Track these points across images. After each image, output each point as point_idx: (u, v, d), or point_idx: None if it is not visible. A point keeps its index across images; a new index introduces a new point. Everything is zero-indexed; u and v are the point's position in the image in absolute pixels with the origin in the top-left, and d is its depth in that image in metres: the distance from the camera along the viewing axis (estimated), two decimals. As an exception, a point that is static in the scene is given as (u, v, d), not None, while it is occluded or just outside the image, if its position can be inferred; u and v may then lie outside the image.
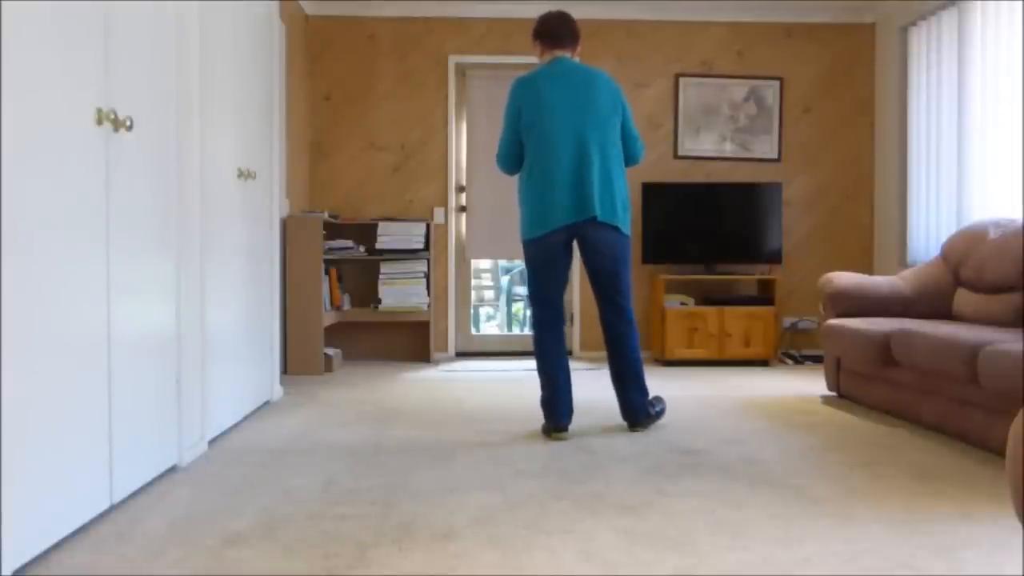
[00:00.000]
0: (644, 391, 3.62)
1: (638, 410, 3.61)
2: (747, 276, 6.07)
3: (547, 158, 3.46)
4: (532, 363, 5.90)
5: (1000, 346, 3.08)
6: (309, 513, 2.48)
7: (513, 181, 6.34)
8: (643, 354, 6.31)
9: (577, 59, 3.67)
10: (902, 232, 6.04)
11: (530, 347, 6.49)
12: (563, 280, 3.59)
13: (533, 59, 6.25)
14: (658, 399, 3.74)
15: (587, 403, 4.35)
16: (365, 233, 6.17)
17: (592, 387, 4.89)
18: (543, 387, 3.56)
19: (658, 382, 5.11)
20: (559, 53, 3.63)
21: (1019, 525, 2.35)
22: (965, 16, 5.20)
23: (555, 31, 3.62)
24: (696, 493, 2.69)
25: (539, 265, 3.54)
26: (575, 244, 3.58)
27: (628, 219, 3.56)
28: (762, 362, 5.98)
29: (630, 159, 3.68)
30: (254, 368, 4.02)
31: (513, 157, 3.62)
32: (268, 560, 2.10)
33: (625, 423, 3.67)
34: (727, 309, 5.91)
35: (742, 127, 6.41)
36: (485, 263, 7.92)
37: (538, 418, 3.94)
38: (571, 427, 3.72)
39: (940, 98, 5.50)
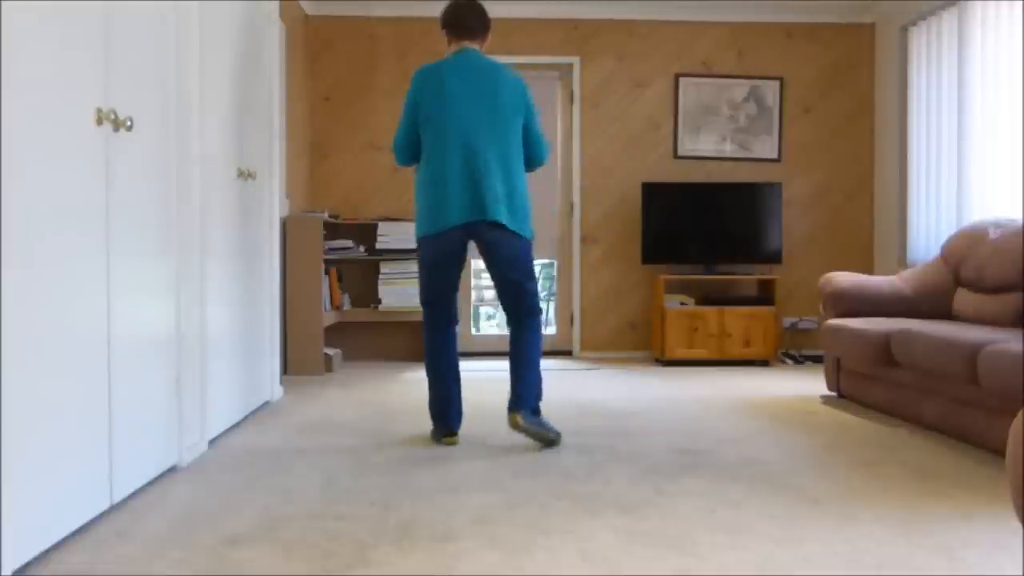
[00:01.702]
0: (532, 384, 3.33)
1: (520, 395, 3.30)
2: (747, 276, 6.07)
3: (445, 153, 3.29)
4: (532, 363, 5.91)
5: (1000, 346, 3.08)
6: (309, 513, 2.48)
7: (513, 181, 6.34)
8: (637, 354, 6.36)
9: (482, 52, 3.48)
10: (902, 232, 6.04)
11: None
12: (455, 281, 3.43)
13: (533, 59, 6.31)
14: (556, 431, 3.40)
15: (587, 403, 4.35)
16: (365, 233, 6.17)
17: (592, 387, 4.89)
18: (432, 390, 3.43)
19: (658, 382, 5.11)
20: (467, 45, 3.43)
21: (1019, 525, 2.35)
22: (965, 16, 5.19)
23: (465, 21, 3.42)
24: (695, 493, 2.69)
25: (431, 264, 3.38)
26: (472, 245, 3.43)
27: (529, 222, 3.39)
28: (762, 362, 5.98)
29: (533, 161, 3.50)
30: (254, 368, 4.02)
31: (409, 149, 3.43)
32: (268, 560, 2.10)
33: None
34: (727, 309, 5.91)
35: (742, 127, 6.41)
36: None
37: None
38: (572, 428, 3.72)
39: (940, 98, 5.50)
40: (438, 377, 3.42)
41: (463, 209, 3.28)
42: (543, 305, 8.36)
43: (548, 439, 3.32)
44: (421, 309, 3.50)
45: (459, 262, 3.41)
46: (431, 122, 3.33)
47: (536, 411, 3.37)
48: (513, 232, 3.33)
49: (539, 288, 3.52)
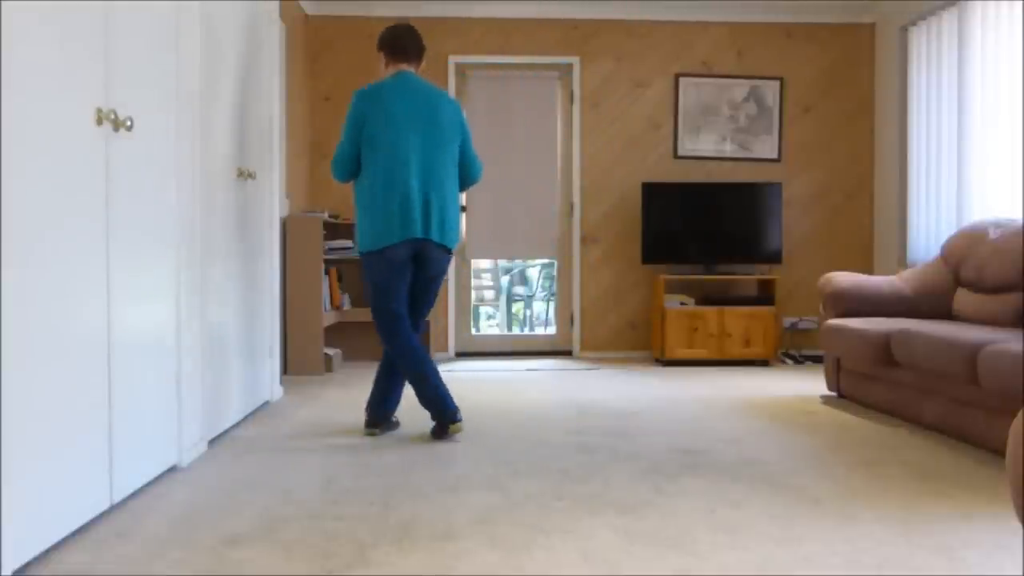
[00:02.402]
0: (397, 398, 3.64)
1: (386, 410, 3.59)
2: (747, 276, 6.07)
3: (388, 172, 3.41)
4: (532, 363, 5.92)
5: (1000, 346, 3.08)
6: (309, 513, 2.48)
7: (514, 181, 6.35)
8: (636, 354, 6.36)
9: (417, 73, 3.63)
10: (902, 232, 6.04)
11: (530, 347, 6.52)
12: (404, 292, 3.54)
13: (533, 59, 6.31)
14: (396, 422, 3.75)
15: (587, 403, 4.35)
16: (365, 233, 6.15)
17: (592, 387, 4.89)
18: (420, 387, 3.44)
19: (658, 382, 5.11)
20: (404, 67, 3.59)
21: (1019, 525, 2.35)
22: (965, 16, 5.20)
23: (403, 45, 3.58)
24: (696, 493, 2.69)
25: (380, 278, 3.49)
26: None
27: (459, 238, 3.60)
28: (762, 362, 5.98)
29: (467, 181, 3.68)
30: (254, 368, 4.02)
31: (349, 165, 3.52)
32: (268, 560, 2.10)
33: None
34: (727, 309, 5.91)
35: (742, 127, 6.41)
36: (485, 263, 7.91)
37: (539, 418, 3.94)
38: (572, 428, 3.72)
39: (940, 98, 5.50)
40: (419, 373, 3.43)
41: (412, 226, 3.42)
42: (541, 305, 8.37)
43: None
44: (376, 319, 3.55)
45: (406, 276, 3.53)
46: (374, 141, 3.45)
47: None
48: (447, 250, 3.56)
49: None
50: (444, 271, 3.63)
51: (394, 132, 3.43)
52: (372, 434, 3.56)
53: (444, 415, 3.44)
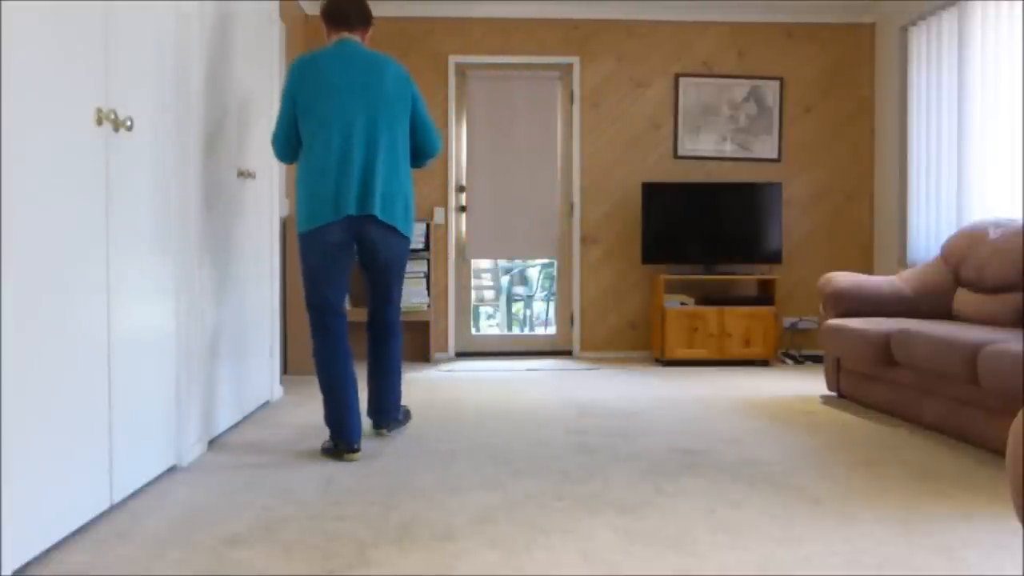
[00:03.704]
0: (397, 395, 3.48)
1: (387, 411, 3.47)
2: (747, 276, 6.07)
3: (326, 145, 3.14)
4: (532, 363, 5.92)
5: (1000, 346, 3.08)
6: (309, 513, 2.48)
7: (514, 181, 6.35)
8: (636, 354, 6.35)
9: (363, 43, 3.38)
10: (902, 232, 6.04)
11: (530, 347, 6.52)
12: (342, 282, 3.25)
13: (533, 59, 6.31)
14: (406, 412, 3.68)
15: (587, 403, 4.35)
16: (365, 233, 6.16)
17: (592, 387, 4.89)
18: (328, 401, 3.18)
19: (658, 382, 5.11)
20: (346, 35, 3.32)
21: (1019, 525, 2.35)
22: (965, 16, 5.20)
23: (344, 11, 3.31)
24: (696, 493, 2.69)
25: (315, 263, 3.20)
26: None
27: (411, 221, 3.31)
28: (762, 362, 5.98)
29: (424, 153, 3.42)
30: (254, 368, 4.02)
31: (288, 142, 3.28)
32: (268, 560, 2.10)
33: (372, 422, 3.52)
34: (727, 309, 5.91)
35: (742, 127, 6.41)
36: (485, 263, 7.91)
37: (539, 418, 3.94)
38: (572, 428, 3.72)
39: (940, 98, 5.50)
40: (333, 385, 3.18)
41: (347, 203, 3.12)
42: (541, 305, 8.34)
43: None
44: (308, 314, 3.29)
45: (345, 260, 3.24)
46: (310, 113, 3.18)
47: (394, 414, 3.52)
48: (397, 232, 3.26)
49: (400, 294, 3.50)
50: (398, 258, 3.32)
51: (330, 103, 3.16)
52: (380, 434, 3.52)
53: (341, 441, 3.14)
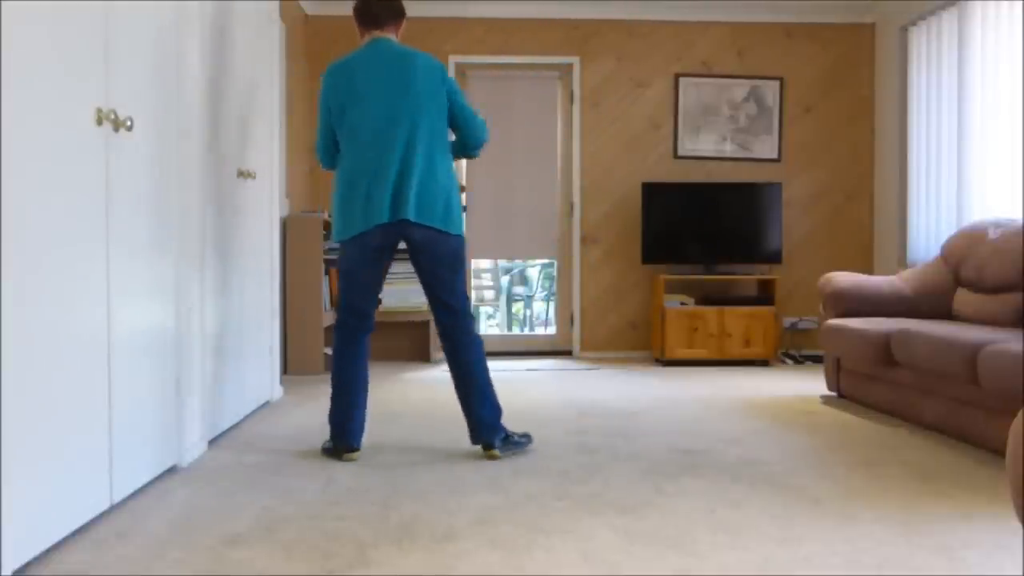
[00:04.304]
0: (495, 407, 3.19)
1: (490, 428, 3.16)
2: (747, 276, 6.07)
3: (357, 153, 3.12)
4: (532, 363, 5.92)
5: (1000, 346, 3.08)
6: (309, 513, 2.48)
7: (514, 181, 6.35)
8: (636, 354, 6.35)
9: (396, 40, 3.30)
10: (902, 232, 6.04)
11: (530, 347, 6.52)
12: (374, 288, 3.22)
13: (533, 59, 6.31)
14: (525, 435, 3.29)
15: (587, 403, 4.35)
16: (365, 233, 6.16)
17: (592, 387, 4.88)
18: (335, 401, 3.18)
19: (658, 382, 5.11)
20: (378, 34, 3.24)
21: (1019, 525, 2.35)
22: (965, 16, 5.19)
23: (372, 10, 3.24)
24: (696, 493, 2.69)
25: (348, 268, 3.19)
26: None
27: (455, 216, 3.17)
28: (762, 362, 5.97)
29: (469, 144, 3.30)
30: (254, 368, 4.02)
31: (328, 151, 3.26)
32: (268, 560, 2.10)
33: (479, 447, 3.23)
34: (727, 309, 5.91)
35: (742, 127, 6.41)
36: (485, 263, 7.91)
37: (539, 418, 3.93)
38: (572, 428, 3.72)
39: (940, 98, 5.50)
40: (343, 387, 3.18)
41: (379, 211, 3.07)
42: (541, 305, 8.33)
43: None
44: (337, 312, 3.26)
45: (379, 267, 3.20)
46: (343, 121, 3.16)
47: (500, 430, 3.19)
48: (438, 230, 3.14)
49: (467, 291, 3.29)
50: (446, 254, 3.16)
51: (360, 109, 3.12)
52: (492, 456, 3.18)
53: (341, 441, 3.15)
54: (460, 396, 3.22)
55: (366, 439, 3.48)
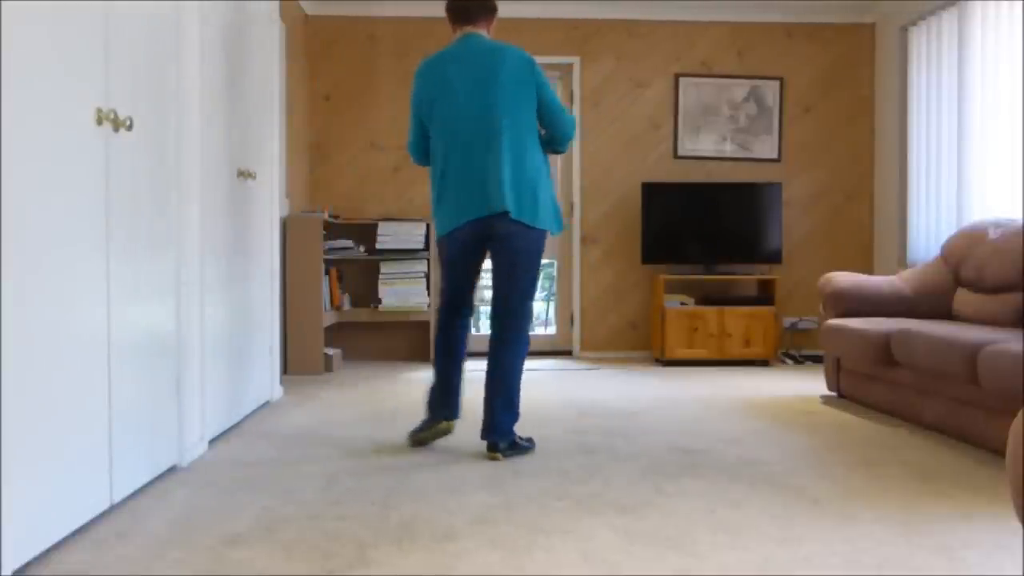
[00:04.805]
0: (514, 413, 3.20)
1: (503, 432, 3.16)
2: (747, 276, 6.07)
3: (448, 147, 3.18)
4: (532, 363, 5.91)
5: (1000, 346, 3.08)
6: (309, 513, 2.48)
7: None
8: (636, 354, 6.35)
9: (487, 36, 3.33)
10: (902, 232, 6.04)
11: (531, 347, 6.51)
12: (471, 277, 3.33)
13: (535, 59, 6.29)
14: (529, 439, 3.29)
15: (587, 403, 4.35)
16: (365, 233, 6.17)
17: (592, 387, 4.89)
18: (436, 377, 3.37)
19: (658, 382, 5.11)
20: (469, 30, 3.29)
21: (1019, 525, 2.35)
22: (965, 16, 5.19)
23: (464, 7, 3.28)
24: (696, 493, 2.69)
25: (446, 262, 3.32)
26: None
27: (542, 210, 3.17)
28: (762, 362, 5.97)
29: (556, 139, 3.30)
30: (254, 368, 4.02)
31: (418, 146, 3.34)
32: (268, 560, 2.10)
33: (483, 446, 3.23)
34: (727, 309, 5.91)
35: (742, 127, 6.41)
36: (485, 263, 7.90)
37: (539, 418, 3.93)
38: (572, 428, 3.72)
39: (940, 98, 5.50)
40: (436, 364, 3.36)
41: (468, 208, 3.15)
42: (542, 305, 8.34)
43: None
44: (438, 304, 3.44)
45: (475, 259, 3.31)
46: (433, 118, 3.23)
47: (509, 435, 3.19)
48: (524, 224, 3.14)
49: (534, 292, 3.28)
50: (526, 249, 3.17)
51: (449, 105, 3.18)
52: (494, 457, 3.17)
53: (439, 412, 3.31)
54: (487, 390, 3.23)
55: (366, 439, 3.48)
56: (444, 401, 3.34)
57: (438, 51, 3.31)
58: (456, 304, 3.37)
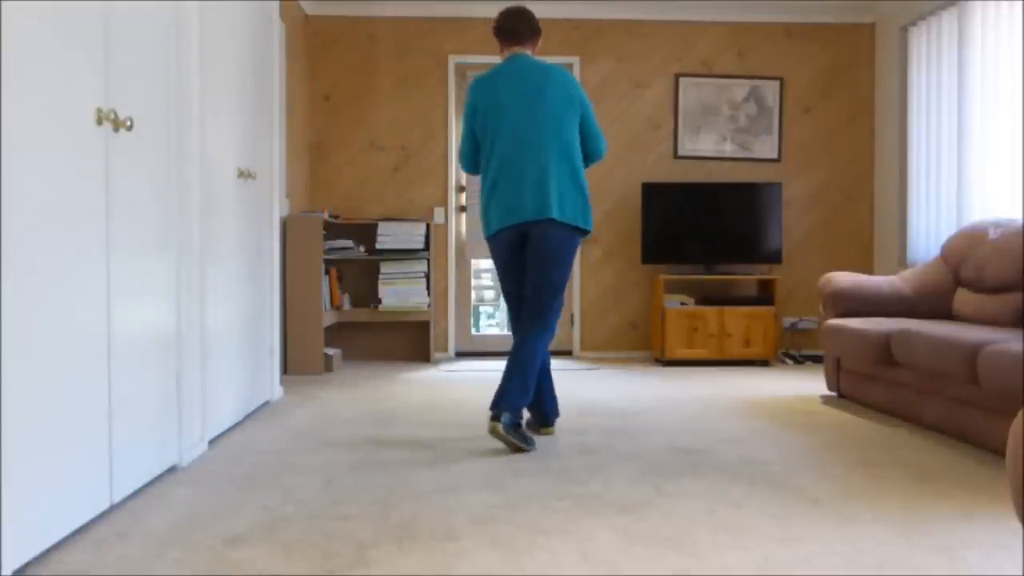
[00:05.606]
0: (526, 393, 3.28)
1: (509, 404, 3.24)
2: (747, 276, 6.07)
3: (499, 161, 3.42)
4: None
5: (1000, 346, 3.08)
6: (309, 513, 2.48)
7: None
8: (636, 354, 6.35)
9: (533, 55, 3.60)
10: (902, 232, 6.04)
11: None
12: (520, 278, 3.53)
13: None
14: (531, 440, 3.31)
15: (587, 403, 4.35)
16: (365, 233, 6.17)
17: (592, 387, 4.89)
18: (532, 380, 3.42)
19: (658, 382, 5.11)
20: (517, 50, 3.57)
21: (1019, 525, 2.35)
22: (965, 16, 5.19)
23: (515, 28, 3.55)
24: (696, 493, 2.69)
25: (497, 260, 3.54)
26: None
27: (579, 212, 3.43)
28: (762, 362, 5.97)
29: (591, 156, 3.57)
30: (254, 368, 4.02)
31: (470, 157, 3.60)
32: (268, 560, 2.10)
33: (484, 444, 3.36)
34: (727, 309, 5.91)
35: (742, 127, 6.41)
36: (485, 263, 7.91)
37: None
38: (572, 428, 3.72)
39: (940, 98, 5.50)
40: (510, 366, 3.32)
41: (517, 211, 3.38)
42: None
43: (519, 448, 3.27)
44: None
45: (521, 259, 3.51)
46: (486, 131, 3.48)
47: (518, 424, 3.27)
48: (566, 226, 3.40)
49: (564, 287, 3.47)
50: (554, 249, 3.39)
51: (501, 121, 3.43)
52: (495, 429, 3.21)
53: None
54: (507, 368, 3.34)
55: (366, 439, 3.48)
56: (534, 409, 3.53)
57: (489, 70, 3.54)
58: (517, 297, 3.55)
